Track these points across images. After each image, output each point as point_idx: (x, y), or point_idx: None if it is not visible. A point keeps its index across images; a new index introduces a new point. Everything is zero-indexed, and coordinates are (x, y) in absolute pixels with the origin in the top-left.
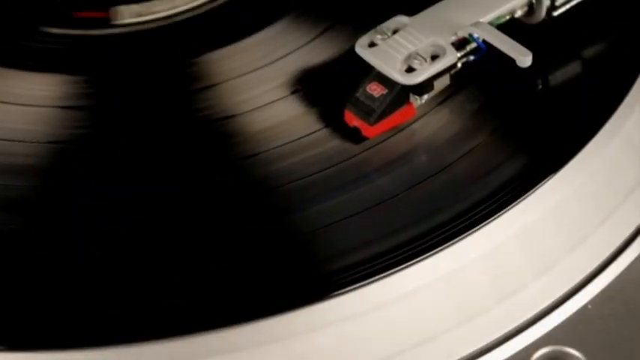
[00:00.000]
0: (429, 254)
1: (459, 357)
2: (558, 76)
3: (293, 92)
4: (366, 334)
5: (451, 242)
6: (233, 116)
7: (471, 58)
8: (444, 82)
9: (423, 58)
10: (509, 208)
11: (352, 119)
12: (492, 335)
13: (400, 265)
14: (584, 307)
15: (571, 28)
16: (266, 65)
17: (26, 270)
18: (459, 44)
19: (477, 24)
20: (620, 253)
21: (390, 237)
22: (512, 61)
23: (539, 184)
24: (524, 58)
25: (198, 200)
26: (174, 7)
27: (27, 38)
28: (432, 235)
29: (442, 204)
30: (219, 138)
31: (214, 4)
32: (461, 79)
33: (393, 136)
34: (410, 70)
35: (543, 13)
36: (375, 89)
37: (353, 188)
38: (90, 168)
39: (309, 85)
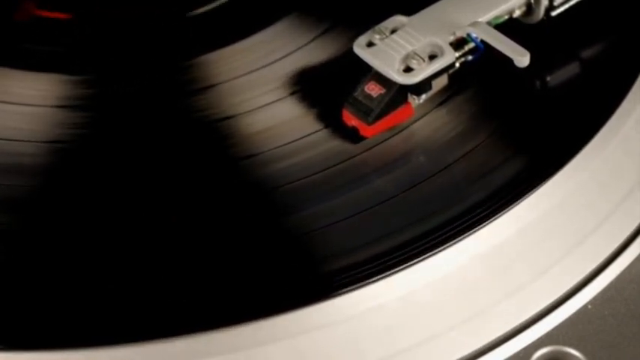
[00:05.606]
0: (428, 254)
1: (458, 357)
2: (557, 77)
3: (292, 93)
4: (365, 334)
5: (451, 243)
6: (232, 117)
7: (469, 57)
8: (442, 81)
9: (421, 57)
10: (508, 208)
11: (350, 119)
12: (492, 335)
13: (400, 265)
14: (584, 307)
15: (569, 28)
16: (265, 66)
17: (26, 270)
18: (457, 44)
19: (475, 24)
20: (620, 253)
21: (390, 237)
22: (510, 61)
23: (539, 185)
24: (522, 58)
25: (197, 201)
26: None
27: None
28: (432, 235)
29: (441, 205)
30: (219, 139)
31: (214, 5)
32: (459, 80)
33: (392, 137)
34: (408, 69)
35: (542, 13)
36: (373, 89)
37: (352, 189)
38: (90, 168)
39: (308, 86)
